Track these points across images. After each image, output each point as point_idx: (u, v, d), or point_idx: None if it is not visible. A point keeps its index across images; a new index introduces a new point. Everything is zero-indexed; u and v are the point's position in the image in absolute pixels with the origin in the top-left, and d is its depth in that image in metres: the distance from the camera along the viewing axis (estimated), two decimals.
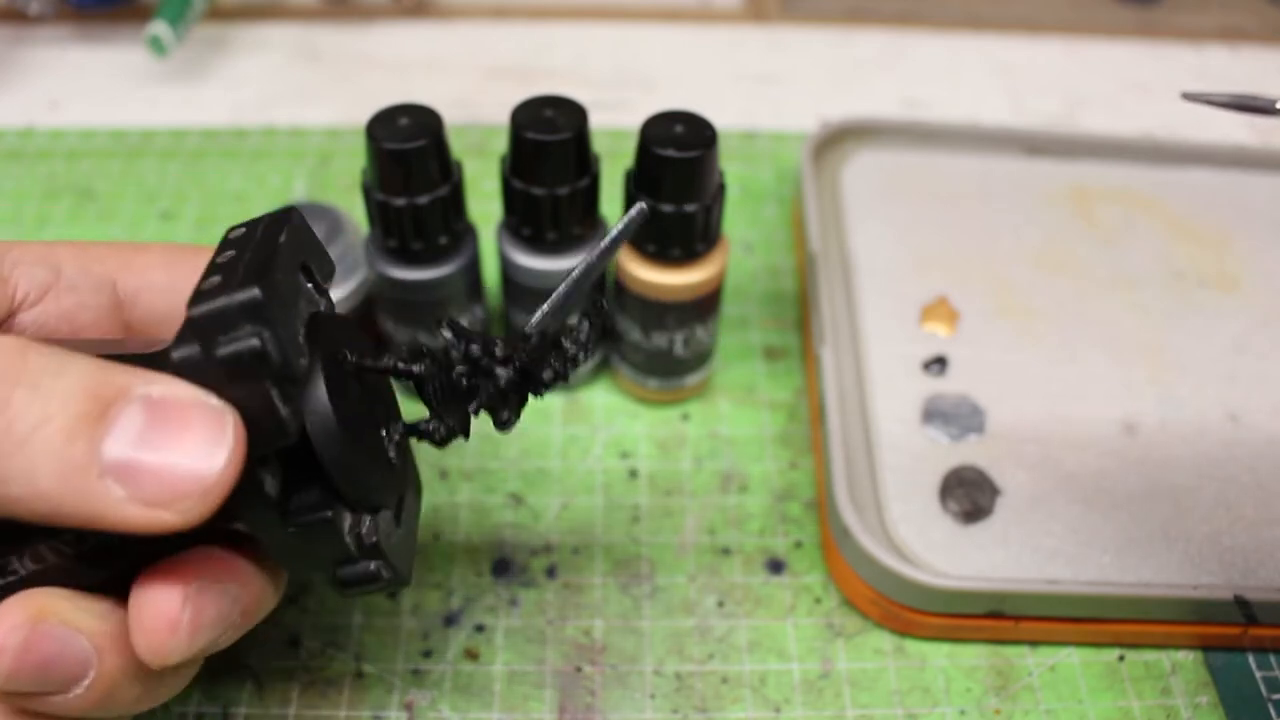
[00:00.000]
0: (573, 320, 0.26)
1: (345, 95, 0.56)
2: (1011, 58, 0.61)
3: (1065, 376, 0.41)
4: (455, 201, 0.36)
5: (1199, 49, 0.62)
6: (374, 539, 0.25)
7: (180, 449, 0.21)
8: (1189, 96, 0.26)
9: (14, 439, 0.20)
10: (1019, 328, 0.43)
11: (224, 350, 0.21)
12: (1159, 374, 0.41)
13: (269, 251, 0.23)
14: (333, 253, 0.38)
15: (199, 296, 0.21)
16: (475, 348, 0.25)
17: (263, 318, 0.21)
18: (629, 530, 0.38)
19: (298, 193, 0.50)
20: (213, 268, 0.23)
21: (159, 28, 0.52)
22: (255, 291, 0.21)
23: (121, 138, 0.53)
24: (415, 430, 0.26)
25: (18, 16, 0.58)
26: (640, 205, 0.26)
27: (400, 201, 0.34)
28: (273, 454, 0.23)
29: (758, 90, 0.58)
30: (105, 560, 0.24)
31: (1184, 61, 0.61)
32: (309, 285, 0.25)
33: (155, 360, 0.23)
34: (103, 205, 0.49)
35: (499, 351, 0.25)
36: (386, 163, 0.33)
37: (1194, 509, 0.37)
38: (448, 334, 0.25)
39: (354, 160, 0.52)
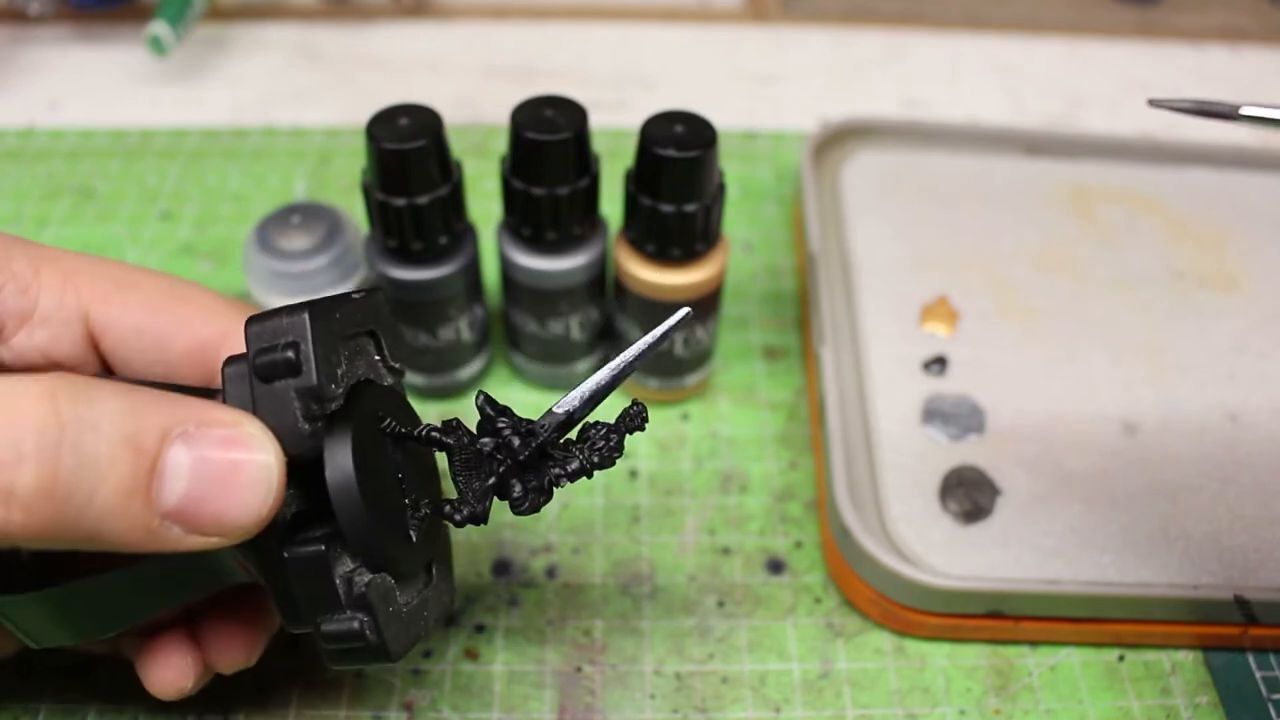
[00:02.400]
0: (607, 419, 0.27)
1: (345, 95, 0.56)
2: (1011, 58, 0.61)
3: (1065, 376, 0.41)
4: (455, 201, 0.36)
5: (1199, 49, 0.62)
6: (364, 590, 0.24)
7: (230, 499, 0.22)
8: (1154, 103, 0.26)
9: (74, 508, 0.21)
10: (1019, 328, 0.43)
11: (263, 359, 0.23)
12: (1159, 374, 0.41)
13: (336, 299, 0.25)
14: (333, 253, 0.38)
15: (259, 316, 0.24)
16: (503, 421, 0.26)
17: (305, 337, 0.23)
18: (629, 530, 0.38)
19: (298, 193, 0.50)
20: (281, 307, 0.25)
21: (159, 28, 0.52)
22: (304, 314, 0.23)
23: (121, 138, 0.53)
24: (437, 508, 0.26)
25: (18, 16, 0.58)
26: (686, 309, 0.27)
27: (400, 201, 0.34)
28: (293, 484, 0.24)
29: (758, 90, 0.58)
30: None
31: (1184, 61, 0.61)
32: (376, 357, 0.27)
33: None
34: (103, 205, 0.49)
35: (523, 427, 0.26)
36: (386, 163, 0.33)
37: (1194, 509, 0.37)
38: (482, 405, 0.26)
39: (354, 160, 0.52)
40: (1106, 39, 0.62)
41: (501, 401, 0.27)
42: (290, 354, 0.23)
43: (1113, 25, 0.62)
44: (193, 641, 0.29)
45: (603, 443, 0.26)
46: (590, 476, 0.26)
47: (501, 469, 0.26)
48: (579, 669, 0.34)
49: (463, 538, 0.37)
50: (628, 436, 0.27)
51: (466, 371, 0.41)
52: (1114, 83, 0.59)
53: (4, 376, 0.21)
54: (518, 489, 0.26)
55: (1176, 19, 0.63)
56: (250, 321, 0.24)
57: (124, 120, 0.54)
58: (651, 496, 0.39)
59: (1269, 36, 0.62)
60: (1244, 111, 0.24)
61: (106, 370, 0.29)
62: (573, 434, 0.27)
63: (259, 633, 0.29)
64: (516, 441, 0.26)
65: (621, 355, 0.26)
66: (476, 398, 0.27)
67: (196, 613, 0.29)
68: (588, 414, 0.26)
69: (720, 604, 0.36)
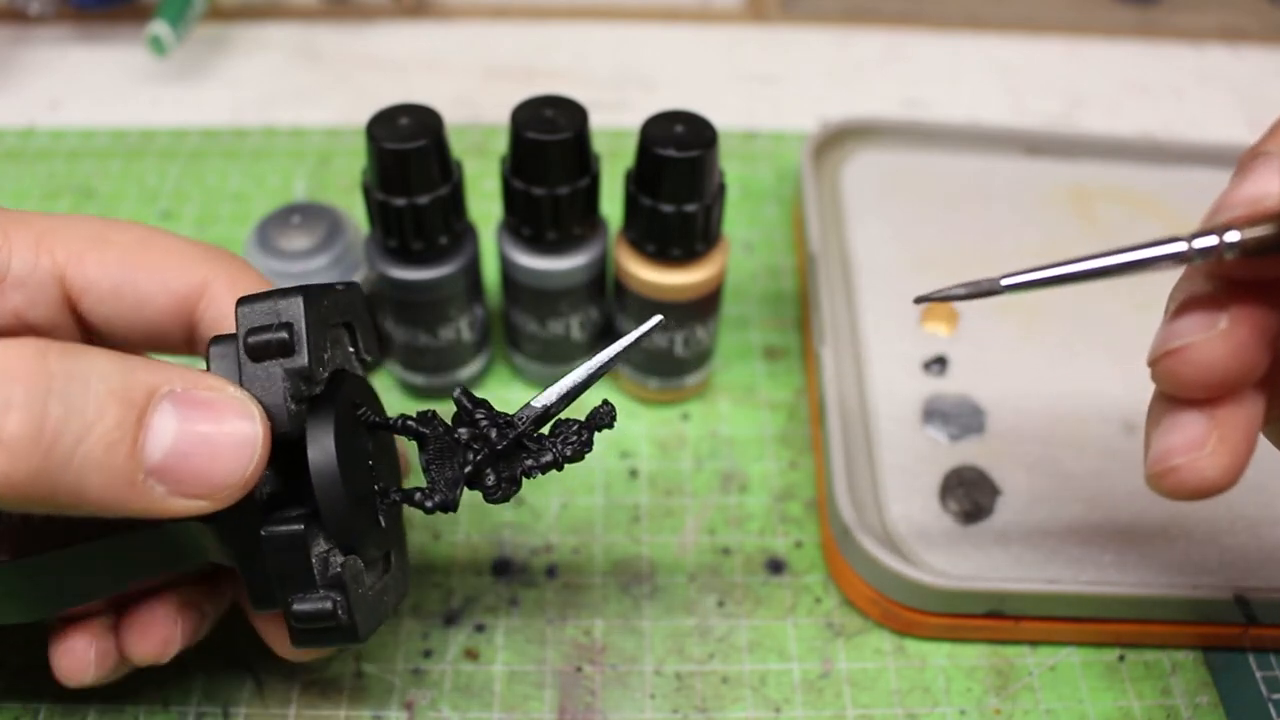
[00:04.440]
0: (579, 416, 0.28)
1: (345, 95, 0.56)
2: (1011, 58, 0.61)
3: (1065, 376, 0.41)
4: (455, 201, 0.36)
5: (1199, 49, 0.62)
6: (339, 571, 0.25)
7: (216, 456, 0.22)
8: (920, 299, 0.27)
9: (59, 456, 0.21)
10: (1019, 328, 0.43)
11: (256, 338, 0.24)
12: None
13: (323, 287, 0.26)
14: (333, 253, 0.38)
15: (251, 298, 0.24)
16: (481, 413, 0.27)
17: (299, 319, 0.24)
18: (629, 530, 0.38)
19: (298, 193, 0.50)
20: (272, 290, 0.25)
21: (159, 28, 0.52)
22: (299, 297, 0.24)
23: (121, 138, 0.53)
24: (408, 495, 0.27)
25: (18, 16, 0.58)
26: (659, 317, 0.28)
27: (400, 201, 0.34)
28: (268, 466, 0.24)
29: (758, 90, 0.58)
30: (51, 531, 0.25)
31: (1184, 61, 0.61)
32: (350, 349, 0.28)
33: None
34: (103, 205, 0.49)
35: (501, 419, 0.27)
36: (386, 163, 0.33)
37: (1194, 509, 0.37)
38: (459, 397, 0.27)
39: (354, 160, 0.52)
40: (1106, 39, 0.62)
41: (502, 402, 0.27)
42: (284, 335, 0.24)
43: (1113, 25, 0.62)
44: (110, 631, 0.28)
45: (575, 438, 0.27)
46: (560, 469, 0.27)
47: (478, 459, 0.26)
48: (579, 669, 0.34)
49: (463, 538, 0.37)
50: (608, 432, 0.28)
51: (467, 371, 0.41)
52: (1114, 83, 0.59)
53: None
54: (491, 478, 0.27)
55: (1176, 19, 0.63)
56: (241, 302, 0.24)
57: (124, 120, 0.54)
58: (651, 496, 0.39)
59: (1269, 36, 0.62)
60: (1004, 283, 0.26)
61: (85, 334, 0.29)
62: (545, 429, 0.28)
63: (180, 627, 0.29)
64: (494, 433, 0.26)
65: (597, 356, 0.27)
66: (454, 391, 0.27)
67: (124, 604, 0.28)
68: (562, 410, 0.27)
69: (720, 604, 0.36)
